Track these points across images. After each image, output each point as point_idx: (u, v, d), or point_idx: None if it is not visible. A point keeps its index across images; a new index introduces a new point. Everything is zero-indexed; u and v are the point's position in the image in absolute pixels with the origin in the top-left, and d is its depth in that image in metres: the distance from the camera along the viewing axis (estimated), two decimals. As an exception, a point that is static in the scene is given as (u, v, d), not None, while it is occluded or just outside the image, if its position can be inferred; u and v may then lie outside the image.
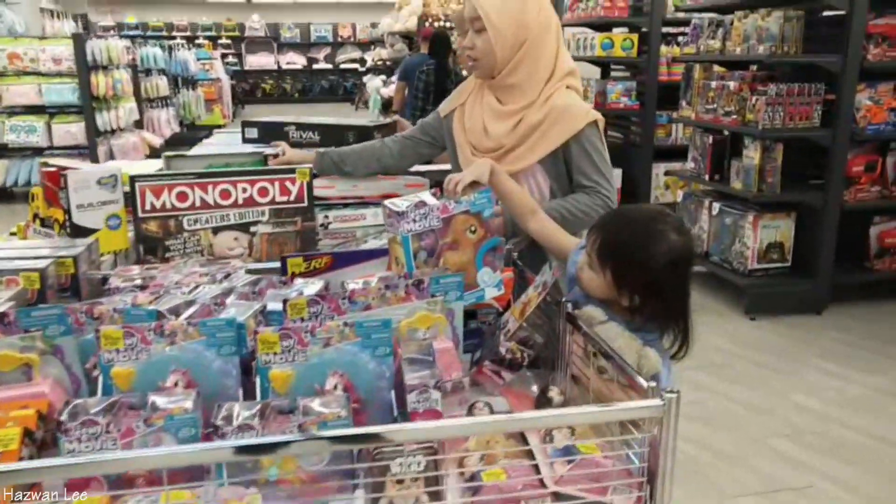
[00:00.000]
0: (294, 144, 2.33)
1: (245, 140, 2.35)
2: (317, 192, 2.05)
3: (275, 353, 1.17)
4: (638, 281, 1.36)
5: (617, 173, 6.23)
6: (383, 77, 12.37)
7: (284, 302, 1.26)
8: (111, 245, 1.74)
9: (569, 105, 1.85)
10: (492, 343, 1.50)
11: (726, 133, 4.73)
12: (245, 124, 2.36)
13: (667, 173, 6.05)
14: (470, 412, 1.23)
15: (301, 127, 2.34)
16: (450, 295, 1.38)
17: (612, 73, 6.83)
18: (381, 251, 1.66)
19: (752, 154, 4.36)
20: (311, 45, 19.76)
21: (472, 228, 1.50)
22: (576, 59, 5.72)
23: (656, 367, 1.34)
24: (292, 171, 1.85)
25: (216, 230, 1.82)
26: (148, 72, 9.86)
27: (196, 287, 1.39)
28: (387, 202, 1.50)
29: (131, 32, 15.80)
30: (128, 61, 8.36)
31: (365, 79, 15.27)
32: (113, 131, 7.82)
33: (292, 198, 1.86)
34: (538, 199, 1.84)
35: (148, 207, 1.75)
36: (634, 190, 6.14)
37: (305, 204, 1.87)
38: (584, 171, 1.87)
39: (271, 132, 2.35)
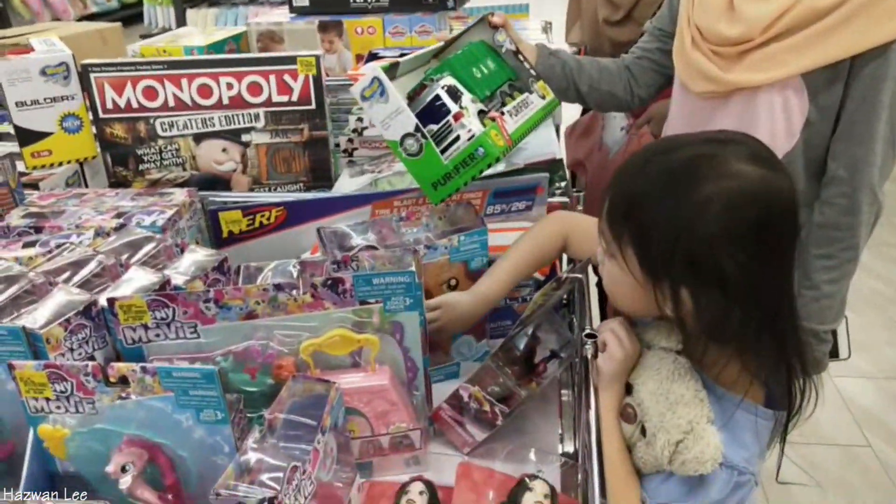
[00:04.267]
0: (356, 10, 1.79)
1: (294, 9, 1.84)
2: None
3: (47, 399, 0.74)
4: (672, 252, 0.75)
5: None
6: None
7: (111, 302, 0.81)
8: (72, 152, 1.39)
9: None
10: (490, 365, 0.94)
11: None
12: (290, -12, 1.83)
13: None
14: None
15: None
16: (394, 300, 0.85)
17: None
18: (362, 197, 1.14)
19: None
20: None
21: (453, 282, 0.95)
22: None
23: (704, 463, 0.76)
24: (292, 59, 1.33)
25: (198, 138, 1.39)
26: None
27: (63, 246, 0.99)
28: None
29: None
30: None
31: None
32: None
33: (294, 97, 1.36)
34: (780, 131, 1.11)
35: (110, 106, 1.35)
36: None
37: (313, 106, 1.37)
38: (859, 129, 1.07)
39: (325, -4, 1.81)
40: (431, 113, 1.04)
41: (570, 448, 0.87)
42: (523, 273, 1.03)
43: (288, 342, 0.84)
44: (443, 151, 1.01)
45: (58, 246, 0.98)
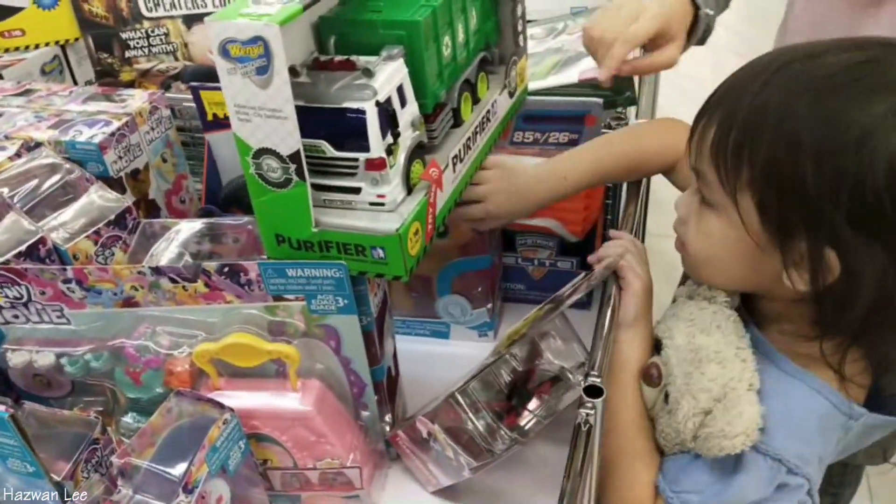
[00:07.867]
0: None
1: None
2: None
3: None
4: (832, 193, 0.51)
5: None
6: None
7: (-53, 272, 0.60)
8: (48, 33, 1.17)
9: None
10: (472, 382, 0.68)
11: None
12: None
13: None
14: None
15: None
16: (321, 299, 0.60)
17: None
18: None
19: None
20: None
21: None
22: None
23: (732, 438, 0.55)
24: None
25: (189, 20, 1.14)
26: None
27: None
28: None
29: None
30: None
31: None
32: None
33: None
34: None
35: (84, -23, 1.11)
36: None
37: (322, -15, 1.07)
38: None
39: None
40: (332, 125, 0.53)
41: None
42: (610, 172, 0.75)
43: (181, 342, 0.62)
44: (318, 189, 0.55)
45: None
